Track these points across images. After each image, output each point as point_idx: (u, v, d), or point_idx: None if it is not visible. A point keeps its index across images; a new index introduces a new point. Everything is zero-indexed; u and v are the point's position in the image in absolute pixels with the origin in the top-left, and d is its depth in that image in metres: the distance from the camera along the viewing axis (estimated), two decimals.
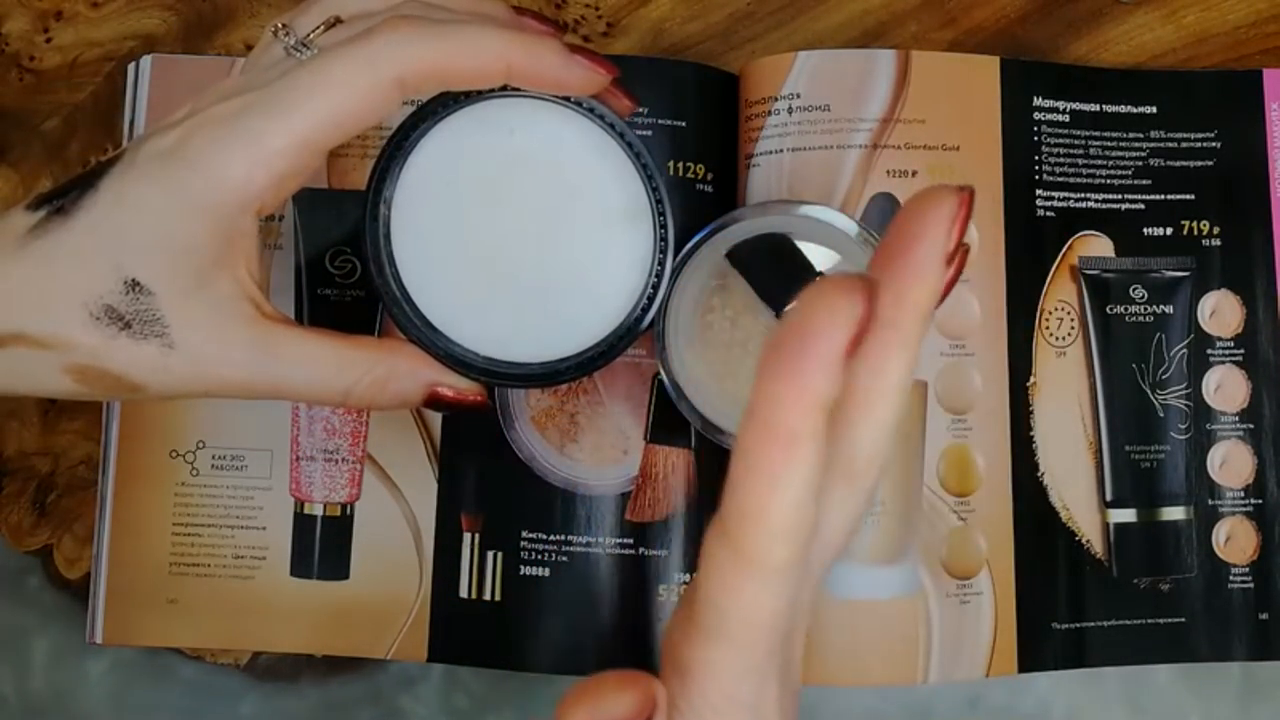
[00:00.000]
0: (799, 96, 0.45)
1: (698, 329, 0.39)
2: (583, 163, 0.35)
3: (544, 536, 0.44)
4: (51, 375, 0.32)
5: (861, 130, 0.45)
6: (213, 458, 0.46)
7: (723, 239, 0.39)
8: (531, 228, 0.35)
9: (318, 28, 0.33)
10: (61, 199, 0.31)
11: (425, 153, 0.34)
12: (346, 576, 0.45)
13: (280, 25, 0.33)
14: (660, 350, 0.39)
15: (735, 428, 0.39)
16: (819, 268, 0.39)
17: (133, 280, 0.30)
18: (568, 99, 0.34)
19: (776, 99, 0.45)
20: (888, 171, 0.45)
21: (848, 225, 0.39)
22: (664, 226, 0.35)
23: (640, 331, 0.35)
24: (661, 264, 0.35)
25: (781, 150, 0.45)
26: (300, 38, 0.32)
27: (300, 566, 0.45)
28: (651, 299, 0.35)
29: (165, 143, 0.31)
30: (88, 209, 0.31)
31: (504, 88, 0.33)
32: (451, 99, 0.34)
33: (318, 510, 0.45)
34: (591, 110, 0.34)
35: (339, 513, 0.45)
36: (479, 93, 0.34)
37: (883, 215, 0.45)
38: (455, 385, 0.34)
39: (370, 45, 0.30)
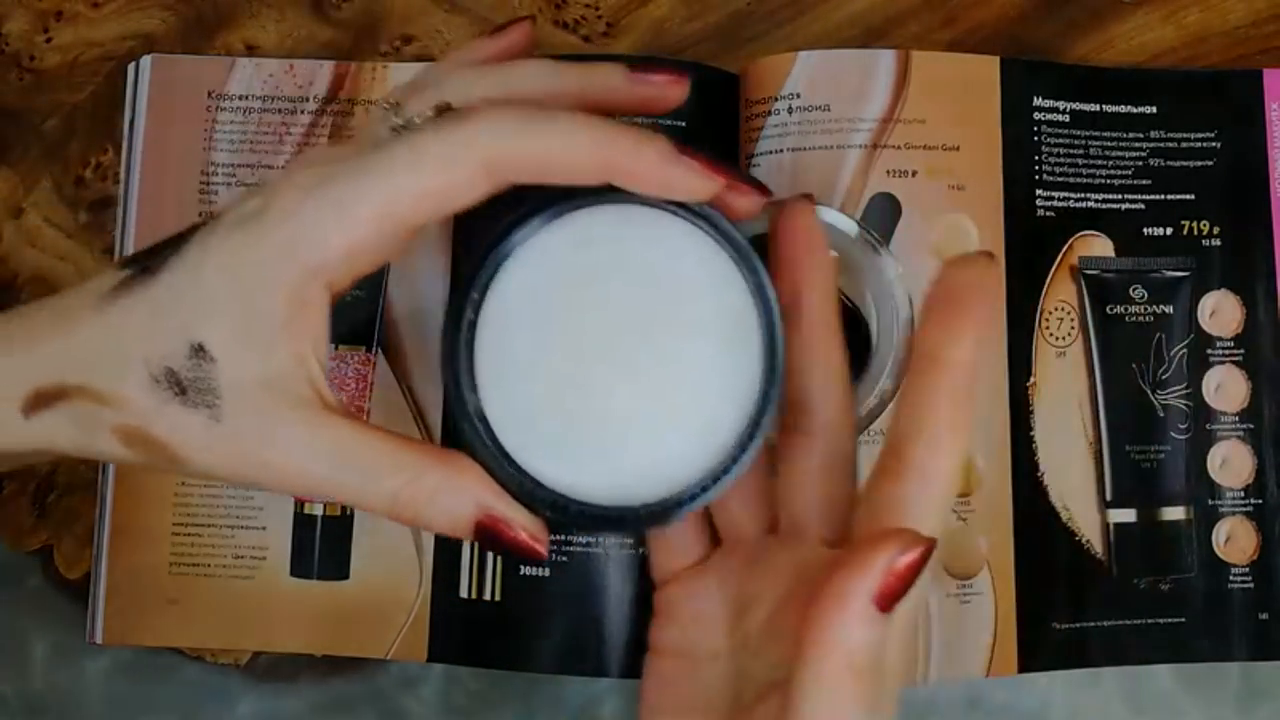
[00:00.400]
0: (799, 96, 0.45)
1: None
2: (685, 277, 0.30)
3: None
4: (100, 434, 0.31)
5: (861, 130, 0.45)
6: None
7: None
8: (623, 350, 0.30)
9: (427, 112, 0.32)
10: (150, 259, 0.31)
11: (520, 259, 0.30)
12: (346, 576, 0.45)
13: (391, 102, 0.32)
14: None
15: None
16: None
17: (198, 344, 0.30)
18: (682, 206, 0.30)
19: (776, 99, 0.45)
20: (888, 171, 0.45)
21: (848, 225, 0.39)
22: (773, 354, 0.30)
23: (730, 479, 0.30)
24: (766, 397, 0.30)
25: (781, 150, 0.45)
26: (407, 118, 0.32)
27: (300, 566, 0.45)
28: (751, 437, 0.30)
29: (250, 206, 0.30)
30: (171, 269, 0.30)
31: (608, 189, 0.29)
32: (553, 201, 0.30)
33: (318, 510, 0.45)
34: (706, 219, 0.30)
35: (339, 512, 0.45)
36: (582, 196, 0.30)
37: (883, 215, 0.45)
38: (512, 518, 0.30)
39: (465, 128, 0.29)
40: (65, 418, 0.31)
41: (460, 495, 0.30)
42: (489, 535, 0.30)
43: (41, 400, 0.31)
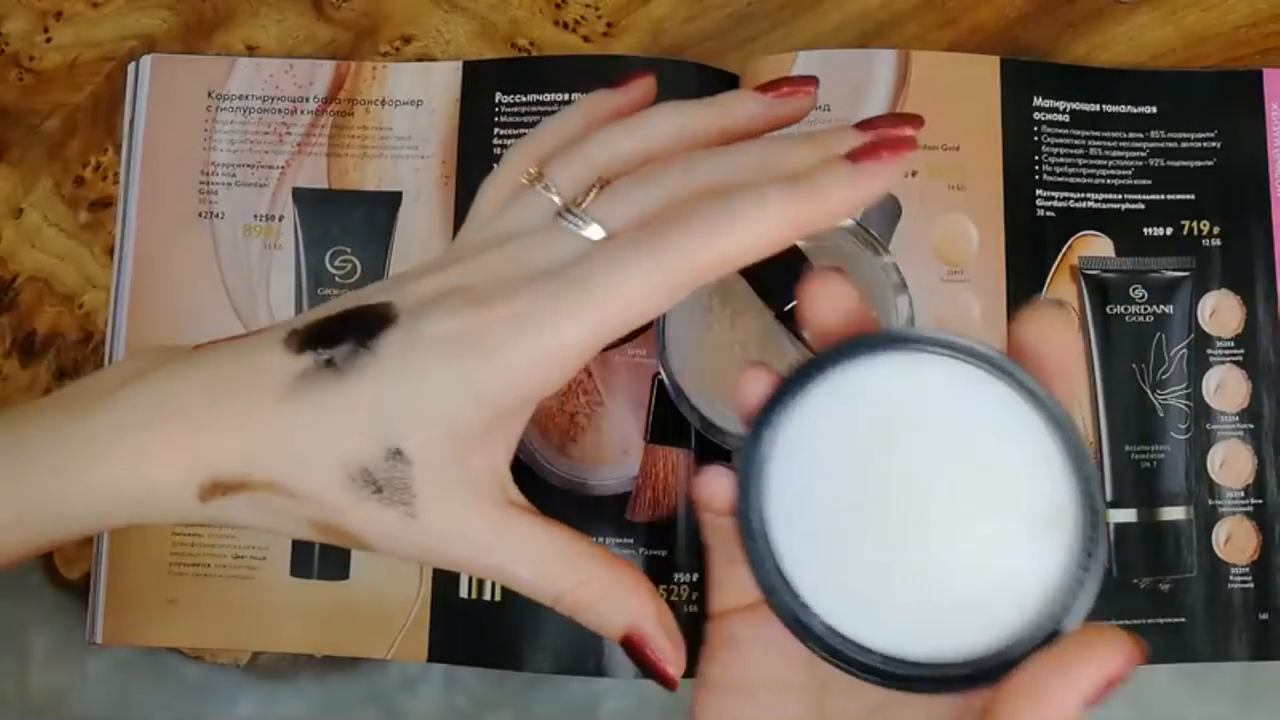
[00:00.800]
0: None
1: (698, 328, 0.39)
2: (997, 441, 0.28)
3: None
4: (288, 523, 0.31)
5: None
6: None
7: None
8: (921, 508, 0.28)
9: (587, 191, 0.31)
10: (328, 349, 0.31)
11: (815, 399, 0.28)
12: (346, 576, 0.45)
13: (533, 174, 0.32)
14: (660, 349, 0.39)
15: (735, 427, 0.38)
16: (815, 263, 0.38)
17: (396, 449, 0.30)
18: (984, 357, 0.27)
19: None
20: None
21: (844, 222, 0.39)
22: (1094, 530, 0.27)
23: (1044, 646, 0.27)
24: (1085, 569, 0.27)
25: None
26: (567, 200, 0.32)
27: (300, 566, 0.45)
28: (1067, 609, 0.27)
29: (452, 327, 0.30)
30: (362, 372, 0.30)
31: (887, 338, 0.28)
32: (854, 346, 0.28)
33: None
34: (1012, 375, 0.27)
35: None
36: (884, 341, 0.28)
37: (883, 215, 0.45)
38: (659, 643, 0.31)
39: (663, 248, 0.29)
40: (248, 505, 0.31)
41: (620, 609, 0.31)
42: (631, 650, 0.32)
43: (221, 489, 0.31)
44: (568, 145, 0.33)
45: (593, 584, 0.31)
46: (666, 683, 0.32)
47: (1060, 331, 0.27)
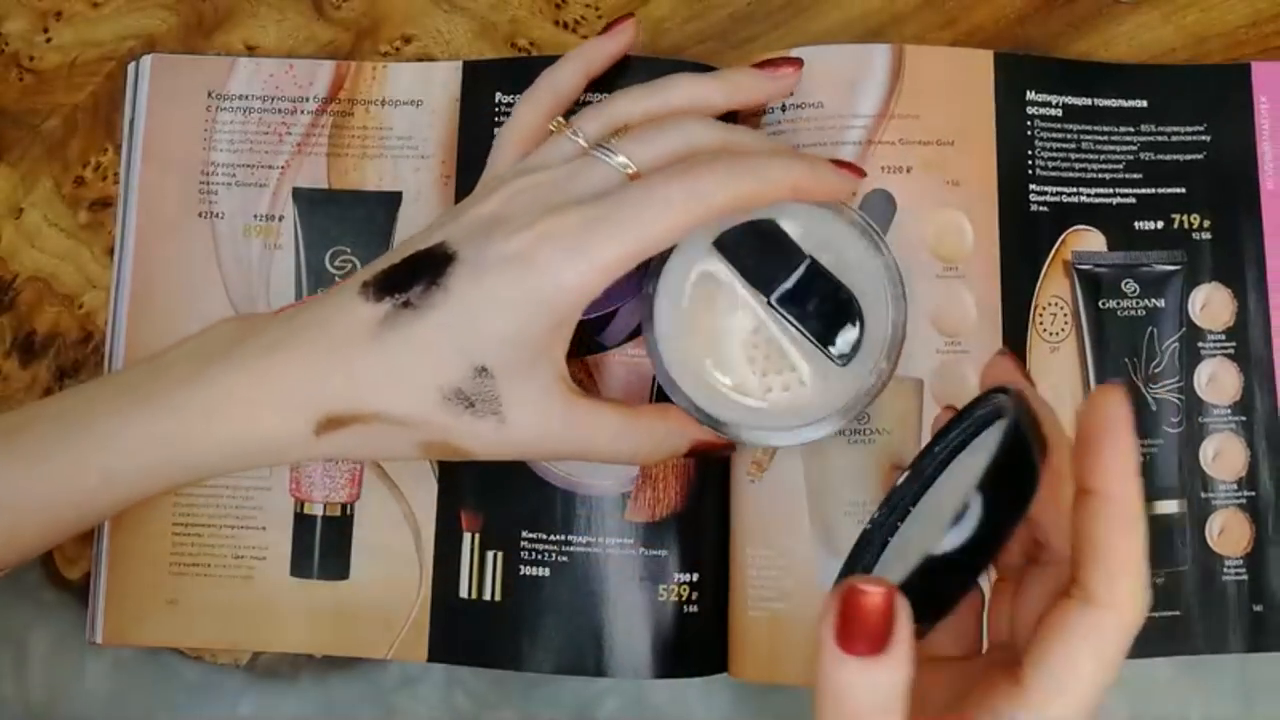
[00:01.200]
0: (792, 95, 0.45)
1: (688, 319, 0.40)
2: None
3: (544, 536, 0.44)
4: (406, 448, 0.37)
5: (855, 127, 0.45)
6: None
7: (707, 229, 0.39)
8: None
9: (610, 136, 0.38)
10: (404, 292, 0.36)
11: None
12: (346, 576, 0.45)
13: (561, 121, 0.40)
14: (651, 343, 0.39)
15: (731, 416, 0.39)
16: (806, 251, 0.39)
17: (481, 366, 0.35)
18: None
19: None
20: (882, 167, 0.45)
21: (839, 209, 0.39)
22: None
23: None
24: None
25: None
26: (592, 138, 0.38)
27: (300, 566, 0.45)
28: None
29: (511, 248, 0.35)
30: (439, 306, 0.35)
31: None
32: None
33: (318, 510, 0.45)
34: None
35: (339, 512, 0.45)
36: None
37: (879, 210, 0.45)
38: (712, 441, 0.40)
39: (696, 181, 0.35)
40: (358, 437, 0.36)
41: (677, 438, 0.40)
42: (699, 452, 0.41)
43: (334, 424, 0.36)
44: (590, 107, 0.40)
45: (657, 433, 0.39)
46: (729, 448, 0.41)
47: (1122, 411, 0.28)
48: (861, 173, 0.40)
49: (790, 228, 0.39)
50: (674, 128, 0.38)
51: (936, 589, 0.27)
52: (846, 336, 0.39)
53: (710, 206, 0.35)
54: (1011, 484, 0.28)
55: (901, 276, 0.39)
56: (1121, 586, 0.28)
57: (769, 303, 0.39)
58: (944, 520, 0.27)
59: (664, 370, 0.39)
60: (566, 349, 0.37)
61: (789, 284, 0.39)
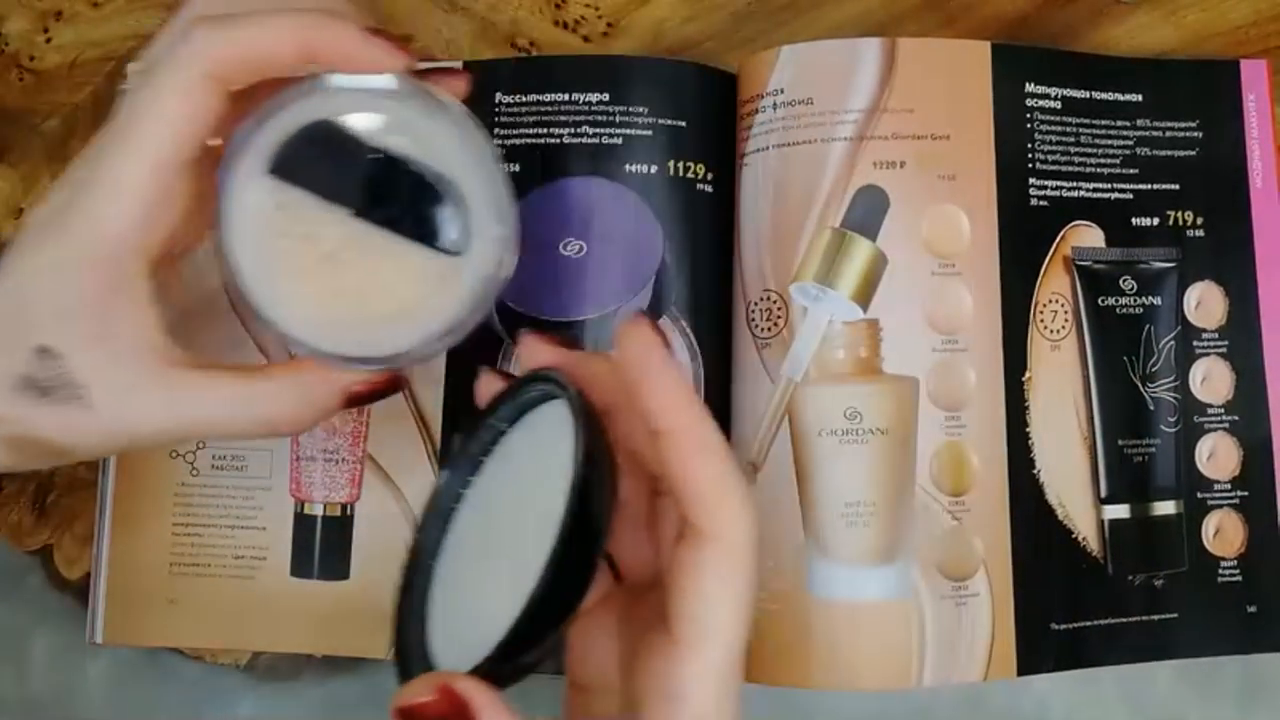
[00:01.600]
0: (783, 92, 0.45)
1: (278, 266, 0.33)
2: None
3: None
4: None
5: (846, 123, 0.44)
6: (213, 458, 0.46)
7: (254, 157, 0.33)
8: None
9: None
10: None
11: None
12: (346, 576, 0.45)
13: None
14: (255, 310, 0.34)
15: (370, 351, 0.34)
16: (374, 141, 0.33)
17: (40, 346, 0.31)
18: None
19: (763, 96, 0.45)
20: (874, 163, 0.44)
21: (385, 82, 0.33)
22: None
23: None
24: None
25: (767, 148, 0.45)
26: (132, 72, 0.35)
27: (300, 566, 0.45)
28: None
29: (44, 211, 0.32)
30: None
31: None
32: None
33: (318, 510, 0.45)
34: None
35: (339, 513, 0.45)
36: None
37: (870, 207, 0.44)
38: (367, 384, 0.35)
39: (176, 52, 0.31)
40: None
41: (322, 391, 0.34)
42: (356, 399, 0.35)
43: None
44: None
45: (289, 394, 0.34)
46: (396, 385, 0.36)
47: (643, 343, 0.28)
48: (408, 57, 0.33)
49: (355, 122, 0.33)
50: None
51: (551, 610, 0.27)
52: (451, 224, 0.33)
53: (198, 70, 0.31)
54: (594, 487, 0.27)
55: (477, 124, 0.34)
56: (720, 514, 0.28)
57: (357, 214, 0.33)
58: (532, 554, 0.26)
59: (280, 331, 0.33)
60: (155, 314, 0.32)
61: (365, 189, 0.33)
